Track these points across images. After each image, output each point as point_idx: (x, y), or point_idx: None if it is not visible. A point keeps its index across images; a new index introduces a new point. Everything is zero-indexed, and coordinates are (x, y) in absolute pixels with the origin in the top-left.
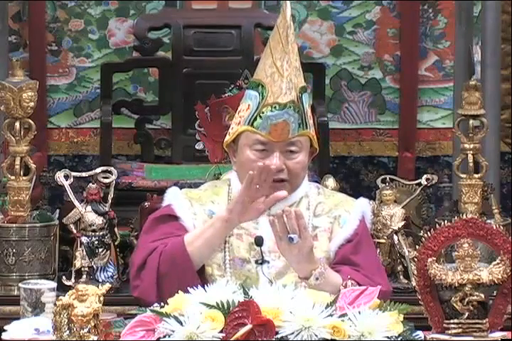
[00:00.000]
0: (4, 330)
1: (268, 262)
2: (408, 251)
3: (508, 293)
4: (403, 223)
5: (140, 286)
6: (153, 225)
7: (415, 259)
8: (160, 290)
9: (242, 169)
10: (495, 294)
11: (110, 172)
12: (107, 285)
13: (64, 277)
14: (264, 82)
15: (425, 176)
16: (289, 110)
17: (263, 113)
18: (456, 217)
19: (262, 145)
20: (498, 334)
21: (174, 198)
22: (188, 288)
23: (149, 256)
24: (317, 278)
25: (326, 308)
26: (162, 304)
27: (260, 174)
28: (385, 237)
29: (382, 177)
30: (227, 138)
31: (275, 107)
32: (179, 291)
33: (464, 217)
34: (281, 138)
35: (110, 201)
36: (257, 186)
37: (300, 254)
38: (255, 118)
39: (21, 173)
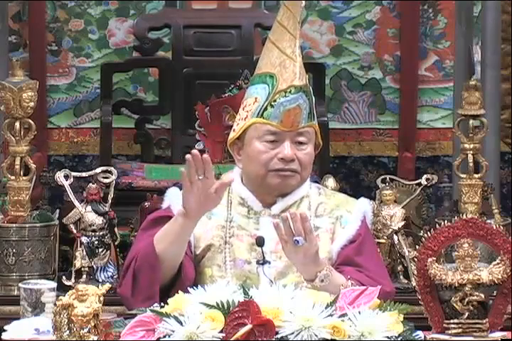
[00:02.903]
0: (4, 330)
1: (269, 262)
2: (408, 251)
3: (508, 293)
4: (403, 223)
5: (122, 284)
6: (150, 226)
7: (415, 259)
8: (134, 288)
9: (250, 163)
10: (495, 294)
11: (110, 172)
12: (107, 285)
13: (64, 277)
14: (272, 72)
15: (425, 176)
16: (303, 95)
17: (275, 101)
18: (456, 217)
19: (272, 135)
20: (498, 334)
21: (174, 199)
22: (157, 286)
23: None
24: (322, 280)
25: (326, 308)
26: (162, 304)
27: (193, 166)
28: (385, 237)
29: (382, 177)
30: (233, 135)
31: (290, 91)
32: (150, 290)
33: (464, 217)
34: (293, 126)
35: (110, 201)
36: (199, 177)
37: (306, 257)
38: (265, 109)
39: (21, 173)
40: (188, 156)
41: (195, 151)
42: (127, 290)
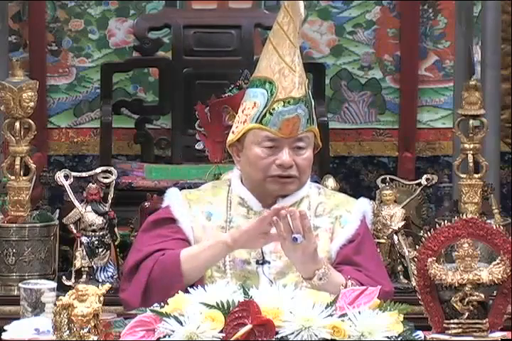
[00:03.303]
0: (4, 330)
1: (269, 262)
2: (408, 251)
3: (508, 293)
4: (403, 223)
5: (127, 290)
6: (151, 227)
7: (415, 259)
8: (144, 299)
9: (249, 167)
10: (495, 294)
11: (110, 172)
12: (107, 285)
13: (64, 277)
14: (271, 78)
15: (425, 176)
16: (302, 105)
17: (274, 109)
18: (456, 217)
19: (270, 142)
20: (498, 334)
21: (173, 200)
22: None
23: (144, 261)
24: (320, 279)
25: (326, 308)
26: (162, 304)
27: (274, 216)
28: (385, 237)
29: (382, 177)
30: (232, 137)
31: (289, 102)
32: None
33: (464, 217)
34: (292, 133)
35: (110, 201)
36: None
37: (304, 255)
38: (264, 115)
39: (21, 173)
40: (276, 207)
41: (286, 211)
42: (135, 299)
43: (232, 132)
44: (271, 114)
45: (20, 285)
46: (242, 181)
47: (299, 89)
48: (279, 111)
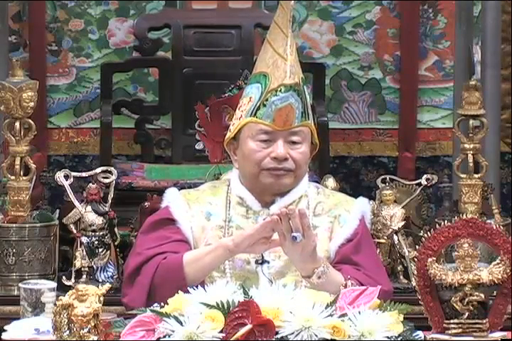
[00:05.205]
0: (4, 330)
1: (268, 262)
2: (408, 251)
3: (508, 293)
4: (403, 223)
5: (129, 294)
6: (151, 229)
7: (415, 259)
8: (148, 303)
9: (245, 161)
10: (495, 294)
11: (110, 172)
12: (107, 285)
13: (64, 277)
14: (266, 71)
15: (425, 176)
16: (294, 94)
17: (267, 100)
18: (456, 217)
19: (265, 134)
20: (498, 334)
21: (172, 200)
22: None
23: (145, 265)
24: (319, 277)
25: (326, 308)
26: (162, 304)
27: (279, 221)
28: (385, 237)
29: (382, 177)
30: (228, 135)
31: (280, 90)
32: None
33: (464, 217)
34: (286, 125)
35: (110, 201)
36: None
37: (303, 253)
38: (258, 108)
39: (21, 173)
40: (283, 210)
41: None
42: (138, 303)
43: (229, 130)
44: (264, 105)
45: (20, 285)
46: (241, 181)
47: (291, 78)
48: (272, 100)
